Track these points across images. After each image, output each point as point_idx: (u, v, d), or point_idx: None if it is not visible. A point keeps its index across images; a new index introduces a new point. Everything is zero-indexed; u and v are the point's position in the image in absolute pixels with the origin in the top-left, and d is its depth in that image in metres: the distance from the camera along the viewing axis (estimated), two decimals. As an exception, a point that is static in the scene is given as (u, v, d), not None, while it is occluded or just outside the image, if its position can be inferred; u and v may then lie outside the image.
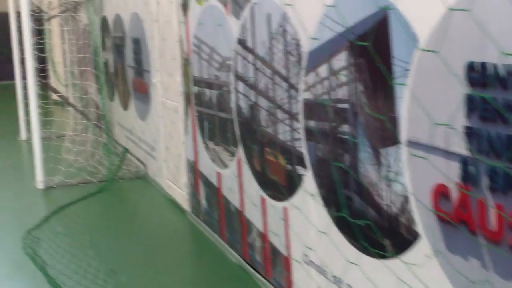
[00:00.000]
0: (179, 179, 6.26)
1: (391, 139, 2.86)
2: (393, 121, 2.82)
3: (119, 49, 8.59)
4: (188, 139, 5.80)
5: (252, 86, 4.28)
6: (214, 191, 5.26)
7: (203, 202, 5.57)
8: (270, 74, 4.01)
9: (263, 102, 4.15)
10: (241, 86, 4.48)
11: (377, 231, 3.03)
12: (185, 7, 5.54)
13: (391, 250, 2.95)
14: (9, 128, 11.03)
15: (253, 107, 4.31)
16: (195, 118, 5.54)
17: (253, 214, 4.52)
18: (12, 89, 13.33)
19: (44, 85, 10.27)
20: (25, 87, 9.63)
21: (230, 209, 4.94)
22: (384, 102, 2.87)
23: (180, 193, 6.25)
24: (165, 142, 6.70)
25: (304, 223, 3.76)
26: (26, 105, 9.50)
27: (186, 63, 5.66)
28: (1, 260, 5.19)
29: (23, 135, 10.34)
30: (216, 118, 5.03)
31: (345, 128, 3.24)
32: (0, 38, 19.72)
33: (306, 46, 3.51)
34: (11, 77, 15.48)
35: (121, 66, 8.59)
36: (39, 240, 5.43)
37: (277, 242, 4.17)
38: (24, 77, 9.64)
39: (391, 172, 2.90)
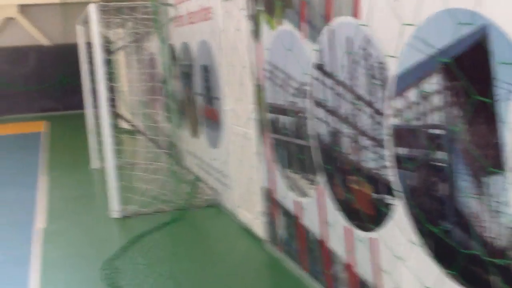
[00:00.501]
0: (254, 207, 6.14)
1: (495, 166, 2.66)
2: (496, 148, 2.63)
3: (187, 77, 8.61)
4: (263, 166, 5.68)
5: (332, 112, 4.15)
6: (292, 220, 5.11)
7: (281, 231, 5.42)
8: (352, 99, 3.86)
9: (344, 128, 4.01)
10: (319, 112, 4.34)
11: (481, 266, 2.82)
12: (256, 33, 5.46)
13: (500, 287, 2.73)
14: (80, 157, 11.19)
15: (334, 133, 4.17)
16: (270, 145, 5.43)
17: (336, 245, 4.36)
18: (78, 118, 13.61)
19: (114, 114, 10.40)
20: (96, 116, 9.77)
21: (310, 239, 4.78)
22: (485, 127, 2.68)
23: (255, 222, 6.13)
24: (238, 170, 6.60)
25: (394, 254, 3.57)
26: (97, 134, 9.64)
27: (259, 90, 5.57)
28: (81, 293, 5.19)
29: (94, 164, 10.47)
30: (293, 145, 4.90)
31: (440, 155, 3.05)
32: (67, 68, 20.34)
33: (393, 69, 3.36)
34: (78, 107, 15.93)
35: (189, 94, 8.60)
36: (119, 270, 5.40)
37: (365, 273, 3.99)
38: (95, 107, 9.79)
39: (495, 202, 2.69)
